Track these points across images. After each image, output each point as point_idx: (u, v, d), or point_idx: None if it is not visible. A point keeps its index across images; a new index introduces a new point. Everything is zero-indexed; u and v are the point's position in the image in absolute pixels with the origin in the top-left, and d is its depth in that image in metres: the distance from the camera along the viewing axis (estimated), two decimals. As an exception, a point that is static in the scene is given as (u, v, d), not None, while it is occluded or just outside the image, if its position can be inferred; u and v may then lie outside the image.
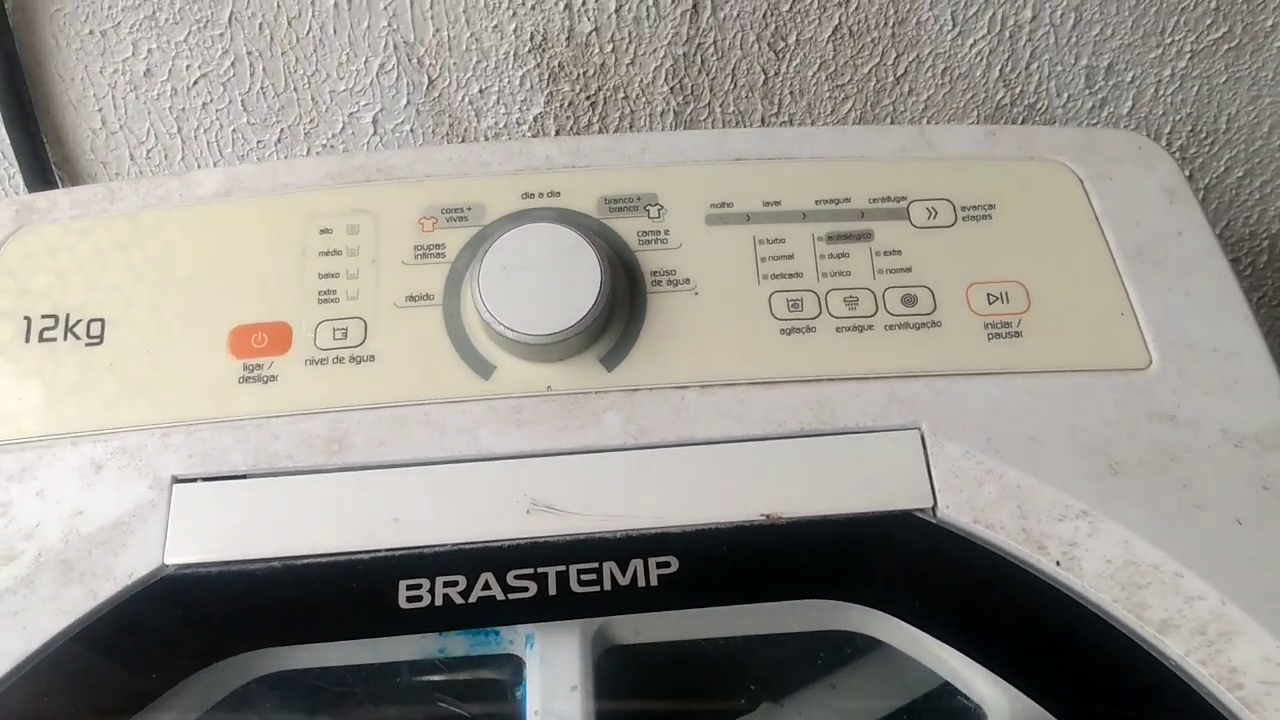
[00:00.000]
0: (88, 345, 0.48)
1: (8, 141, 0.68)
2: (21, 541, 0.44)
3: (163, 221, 0.50)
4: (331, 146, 0.70)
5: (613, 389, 0.47)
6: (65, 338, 0.48)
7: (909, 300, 0.49)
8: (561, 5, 0.65)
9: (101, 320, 0.48)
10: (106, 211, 0.51)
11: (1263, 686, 0.39)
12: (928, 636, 0.42)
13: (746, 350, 0.47)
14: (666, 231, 0.50)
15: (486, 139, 0.71)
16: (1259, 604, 0.40)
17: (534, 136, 0.70)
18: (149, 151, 0.71)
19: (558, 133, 0.71)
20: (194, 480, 0.45)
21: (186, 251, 0.49)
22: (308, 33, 0.65)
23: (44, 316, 0.49)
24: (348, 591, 0.43)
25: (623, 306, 0.48)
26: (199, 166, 0.71)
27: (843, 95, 0.71)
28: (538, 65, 0.67)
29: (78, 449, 0.46)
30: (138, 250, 0.50)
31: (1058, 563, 0.42)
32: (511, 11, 0.65)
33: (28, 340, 0.48)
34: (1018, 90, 0.72)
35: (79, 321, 0.48)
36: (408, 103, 0.69)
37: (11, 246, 0.50)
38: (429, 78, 0.67)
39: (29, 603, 0.43)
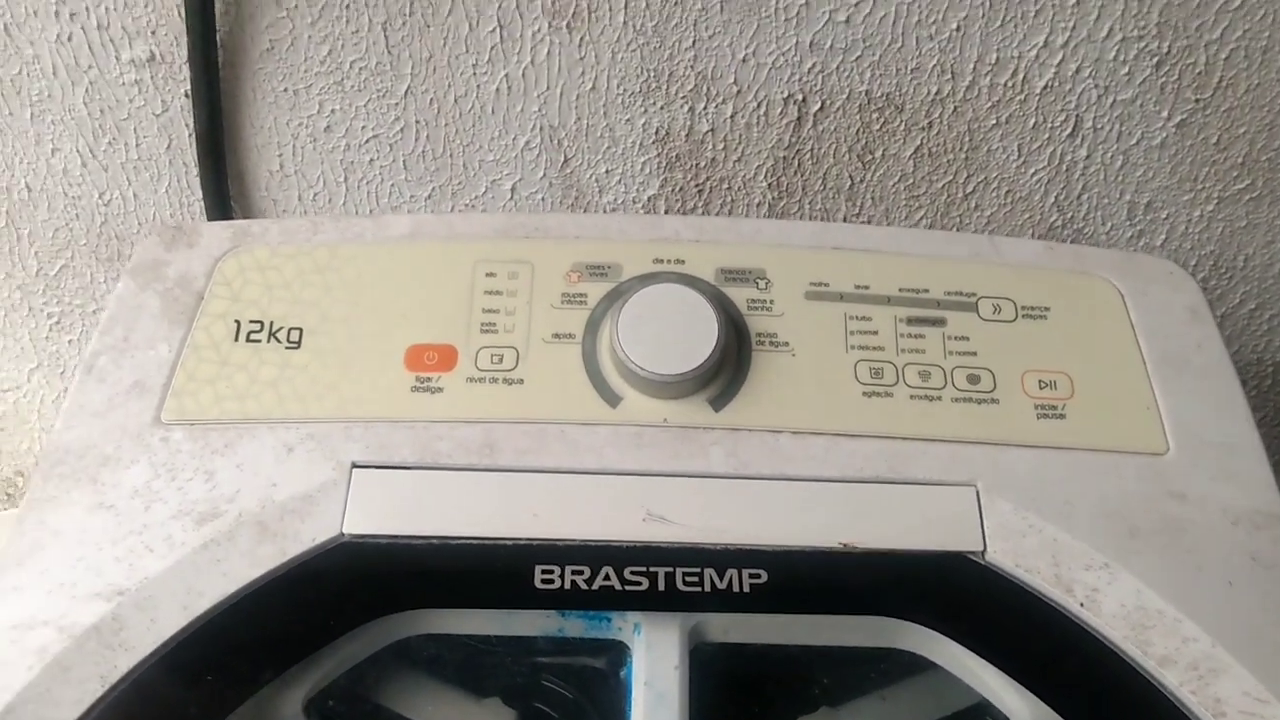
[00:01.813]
0: (287, 348, 0.55)
1: (198, 173, 0.76)
2: (225, 504, 0.50)
3: (357, 254, 0.58)
4: (472, 207, 0.78)
5: (718, 427, 0.53)
6: (268, 340, 0.55)
7: (973, 379, 0.55)
8: (686, 108, 0.72)
9: (300, 329, 0.55)
10: (310, 241, 0.58)
11: (1242, 715, 0.45)
12: (971, 655, 0.48)
13: (833, 406, 0.54)
14: (772, 301, 0.57)
15: (605, 213, 0.78)
16: (1243, 649, 0.47)
17: (661, 214, 0.78)
18: (315, 195, 0.79)
19: (667, 212, 0.78)
20: (370, 467, 0.52)
21: (375, 280, 0.57)
22: (469, 109, 0.73)
23: (252, 321, 0.56)
24: (492, 569, 0.49)
25: (732, 359, 0.55)
26: (357, 213, 0.79)
27: (917, 204, 0.78)
28: (658, 155, 0.75)
29: (273, 433, 0.53)
30: (334, 275, 0.57)
31: (1081, 603, 0.48)
32: (643, 109, 0.72)
33: (236, 340, 0.55)
34: (1069, 215, 0.79)
35: (281, 328, 0.55)
36: (543, 176, 0.76)
37: (229, 262, 0.58)
38: (565, 156, 0.75)
39: (229, 553, 0.49)
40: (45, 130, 0.75)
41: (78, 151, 0.76)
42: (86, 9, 0.69)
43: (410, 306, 0.56)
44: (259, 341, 0.55)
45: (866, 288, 0.58)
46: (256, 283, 0.57)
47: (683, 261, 0.58)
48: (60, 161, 0.77)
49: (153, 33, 0.70)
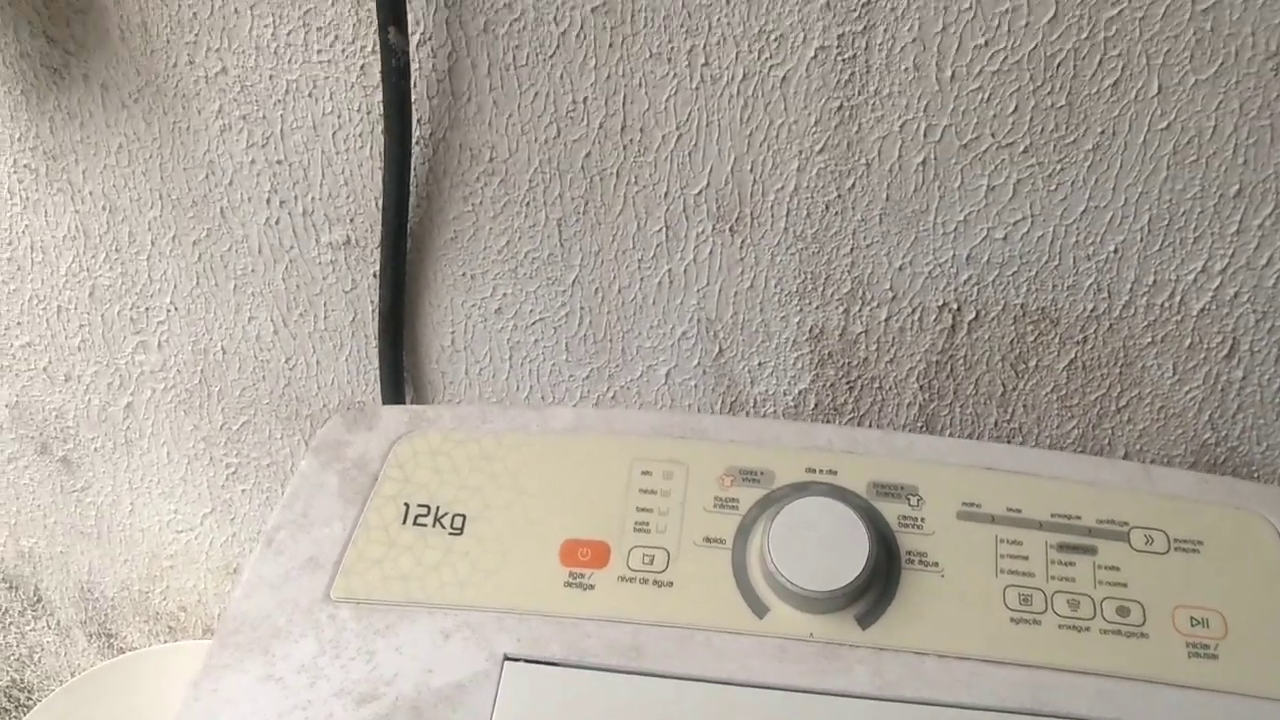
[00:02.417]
0: (450, 534, 0.57)
1: (377, 345, 0.80)
2: (383, 686, 0.52)
3: (521, 444, 0.60)
4: (627, 389, 0.80)
5: (864, 645, 0.53)
6: (434, 525, 0.57)
7: (1123, 611, 0.54)
8: (841, 309, 0.74)
9: (464, 515, 0.57)
10: (478, 429, 0.61)
11: None
12: None
13: (980, 631, 0.53)
14: (923, 519, 0.57)
15: (756, 403, 0.79)
16: None
17: (814, 421, 0.78)
18: (480, 370, 0.82)
19: (817, 406, 0.79)
20: (521, 660, 0.53)
21: (537, 471, 0.59)
22: (631, 299, 0.76)
23: (420, 505, 0.58)
24: (633, 775, 0.49)
25: (881, 577, 0.54)
26: (518, 389, 0.82)
27: (1069, 415, 0.77)
28: (811, 351, 0.76)
29: (432, 618, 0.54)
30: (499, 464, 0.59)
31: None
32: (799, 308, 0.74)
33: (405, 522, 0.58)
34: (1223, 434, 0.77)
35: (446, 514, 0.58)
36: (698, 364, 0.78)
37: (403, 445, 0.60)
38: (720, 347, 0.77)
39: (383, 735, 0.50)
40: (245, 300, 0.81)
41: (271, 320, 0.81)
42: (295, 197, 0.75)
43: (568, 500, 0.58)
44: (425, 525, 0.57)
45: (1019, 511, 0.57)
46: (427, 467, 0.59)
47: (835, 472, 0.58)
48: (255, 328, 0.82)
49: (351, 220, 0.75)
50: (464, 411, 0.62)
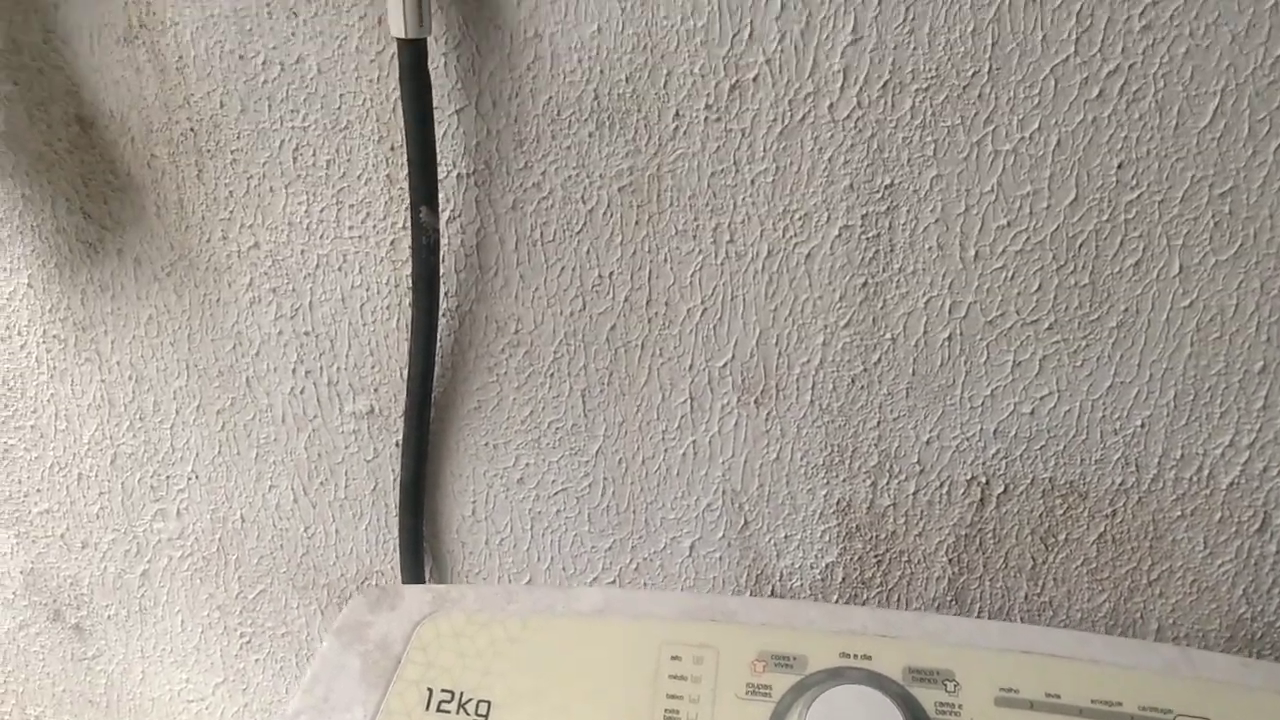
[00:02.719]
0: (475, 721, 0.55)
1: (397, 514, 0.79)
2: None
3: (547, 626, 0.58)
4: (650, 561, 0.79)
5: (905, 843, 0.51)
6: (458, 712, 0.56)
7: (1174, 808, 0.52)
8: (868, 482, 0.73)
9: (489, 702, 0.56)
10: (504, 610, 0.59)
11: None
12: None
13: (1026, 830, 0.51)
14: (961, 706, 0.55)
15: (783, 577, 0.78)
16: None
17: (846, 604, 0.77)
18: (501, 540, 0.81)
19: (844, 580, 0.77)
20: None
21: (563, 655, 0.57)
22: (655, 470, 0.75)
23: (443, 691, 0.56)
24: None
25: (920, 769, 0.52)
26: (539, 560, 0.81)
27: (1100, 588, 0.75)
28: (838, 524, 0.75)
29: (456, 811, 0.52)
30: (524, 647, 0.58)
31: None
32: (825, 481, 0.73)
33: (428, 708, 0.56)
34: (1258, 609, 0.75)
35: (471, 700, 0.56)
36: (722, 536, 0.77)
37: (427, 626, 0.59)
38: (745, 519, 0.76)
39: None
40: (266, 469, 0.80)
41: (291, 489, 0.81)
42: (321, 367, 0.75)
43: (596, 687, 0.56)
44: (449, 712, 0.56)
45: (1058, 697, 0.55)
46: (451, 649, 0.58)
47: (870, 657, 0.57)
48: (275, 497, 0.81)
49: (375, 390, 0.76)
50: (488, 592, 0.61)
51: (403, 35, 0.61)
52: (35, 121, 0.69)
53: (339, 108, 0.67)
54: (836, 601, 0.78)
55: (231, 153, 0.69)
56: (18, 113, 0.68)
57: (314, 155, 0.68)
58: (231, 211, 0.71)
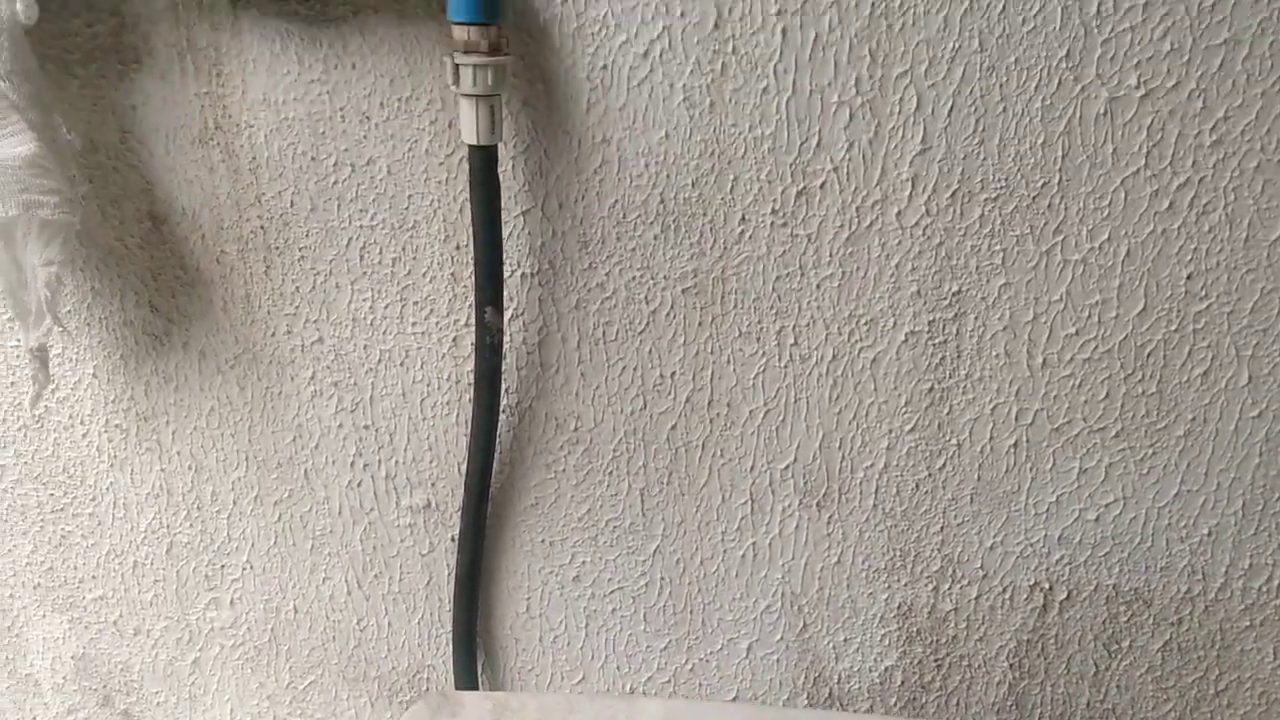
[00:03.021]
0: (541, 837, 0.54)
1: (451, 609, 0.78)
2: None
3: (613, 738, 0.58)
4: (706, 662, 0.78)
5: None
6: (523, 826, 0.55)
7: None
8: (930, 587, 0.72)
9: (555, 817, 0.55)
10: (565, 719, 0.59)
11: None
12: None
13: None
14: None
15: (841, 680, 0.77)
16: None
17: (902, 705, 0.76)
18: (555, 638, 0.80)
19: (903, 683, 0.76)
20: None
21: (630, 769, 0.56)
22: (714, 571, 0.74)
23: (509, 803, 0.55)
24: None
25: None
26: (593, 658, 0.80)
27: (1165, 697, 0.74)
28: (899, 628, 0.74)
29: None
30: (591, 760, 0.57)
31: None
32: (887, 585, 0.72)
33: (493, 821, 0.55)
34: (1331, 719, 0.73)
35: (537, 814, 0.55)
36: (780, 639, 0.76)
37: (491, 735, 0.58)
38: (804, 622, 0.75)
39: None
40: (321, 561, 0.80)
41: (345, 581, 0.80)
42: (379, 461, 0.75)
43: (665, 804, 0.55)
44: (514, 826, 0.55)
45: (1138, 823, 0.54)
46: (515, 760, 0.57)
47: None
48: (329, 589, 0.81)
49: (432, 484, 0.75)
50: (550, 701, 0.60)
51: (475, 142, 0.62)
52: (108, 218, 0.70)
53: (407, 207, 0.68)
54: (895, 705, 0.77)
55: (300, 250, 0.70)
56: (91, 209, 0.69)
57: (381, 253, 0.69)
58: (297, 307, 0.71)
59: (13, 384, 0.77)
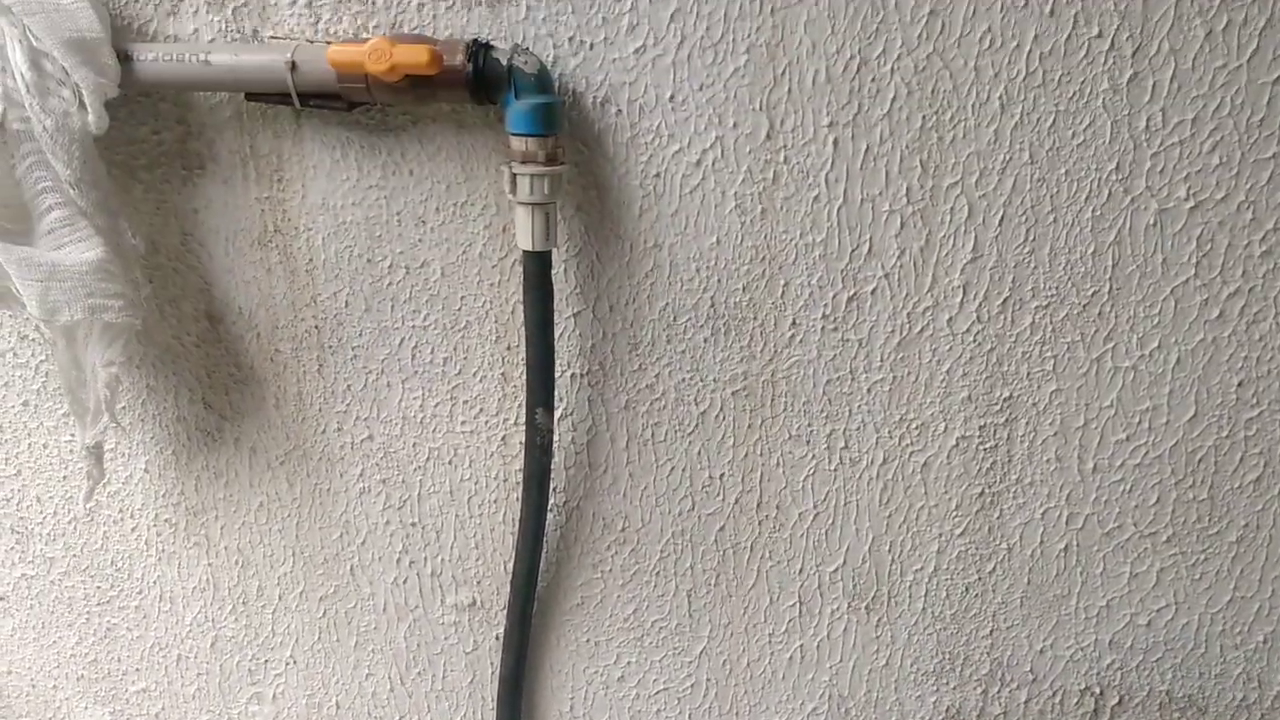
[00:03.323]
0: None
1: (494, 709, 0.78)
2: None
3: None
4: (751, 763, 0.77)
5: None
6: None
7: None
8: (979, 690, 0.71)
9: None
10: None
11: None
12: None
13: None
14: None
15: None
16: None
17: None
18: (600, 738, 0.79)
19: (951, 789, 0.75)
20: None
21: None
22: (761, 674, 0.74)
23: None
24: None
25: None
26: (637, 758, 0.79)
27: (1221, 808, 0.73)
28: (947, 734, 0.73)
29: None
30: None
31: None
32: (935, 688, 0.72)
33: None
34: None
35: None
36: (827, 741, 0.75)
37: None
38: (851, 725, 0.74)
39: None
40: (364, 657, 0.79)
41: (389, 678, 0.80)
42: (425, 558, 0.75)
43: None
44: None
45: None
46: None
47: None
48: (372, 685, 0.80)
49: (478, 582, 0.75)
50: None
51: (530, 248, 0.63)
52: (166, 316, 0.71)
53: (459, 309, 0.68)
54: (943, 811, 0.76)
55: (353, 349, 0.70)
56: (150, 308, 0.70)
57: (432, 353, 0.70)
58: (348, 405, 0.72)
59: (65, 478, 0.77)
